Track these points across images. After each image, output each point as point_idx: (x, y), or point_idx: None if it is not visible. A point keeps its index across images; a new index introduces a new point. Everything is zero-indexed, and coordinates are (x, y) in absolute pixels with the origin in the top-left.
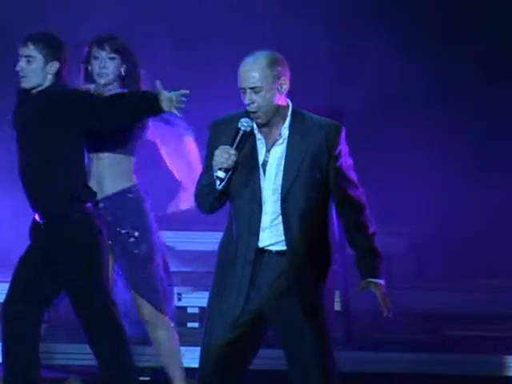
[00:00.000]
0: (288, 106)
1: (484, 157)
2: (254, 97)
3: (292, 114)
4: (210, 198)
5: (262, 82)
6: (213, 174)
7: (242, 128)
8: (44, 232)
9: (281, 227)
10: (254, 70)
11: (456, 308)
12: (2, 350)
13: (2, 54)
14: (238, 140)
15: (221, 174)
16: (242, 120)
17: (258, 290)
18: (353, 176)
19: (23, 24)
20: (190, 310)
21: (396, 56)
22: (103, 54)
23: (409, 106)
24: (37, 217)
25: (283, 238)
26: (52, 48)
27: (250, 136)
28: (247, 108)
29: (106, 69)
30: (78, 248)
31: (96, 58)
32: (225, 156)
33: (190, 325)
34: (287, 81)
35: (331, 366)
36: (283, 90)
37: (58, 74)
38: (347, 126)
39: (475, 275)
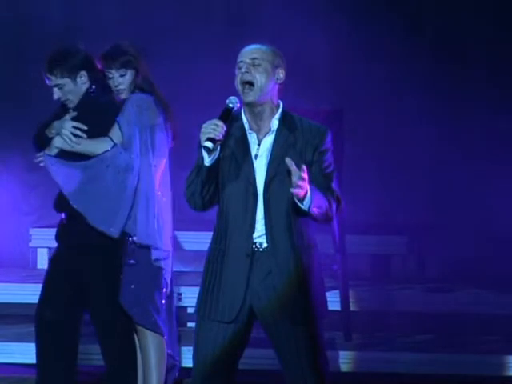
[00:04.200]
0: (279, 104)
1: (487, 157)
2: (252, 68)
3: (282, 111)
4: (199, 182)
5: (263, 59)
6: (201, 158)
7: (230, 104)
8: (68, 230)
9: None
10: (257, 49)
11: (456, 308)
12: (37, 354)
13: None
14: (225, 114)
15: (208, 143)
16: (231, 97)
17: (251, 286)
18: (335, 185)
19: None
20: (189, 310)
21: (395, 55)
22: (113, 72)
23: (409, 105)
24: (63, 216)
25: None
26: (69, 63)
27: (240, 128)
28: (241, 79)
29: (121, 84)
30: (96, 248)
31: (108, 76)
32: (212, 127)
33: (189, 325)
34: (284, 74)
35: (323, 365)
36: (279, 80)
37: (90, 77)
38: (347, 126)
39: (475, 275)
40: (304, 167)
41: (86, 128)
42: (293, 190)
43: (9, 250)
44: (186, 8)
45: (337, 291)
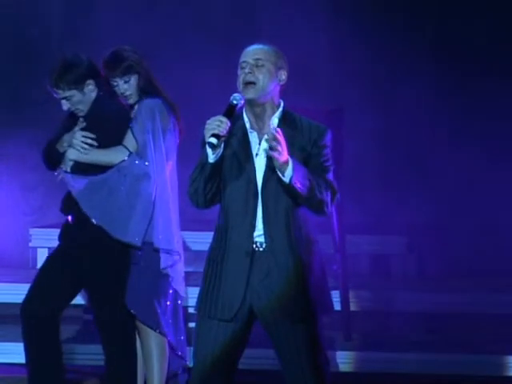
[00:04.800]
0: (280, 103)
1: (486, 157)
2: (255, 69)
3: (283, 110)
4: (202, 180)
5: (267, 60)
6: (205, 155)
7: (234, 101)
8: (74, 231)
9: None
10: (261, 50)
11: (456, 308)
12: (25, 351)
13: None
14: (229, 111)
15: (213, 139)
16: (235, 94)
17: (251, 285)
18: (331, 177)
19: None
20: (190, 310)
21: (396, 54)
22: (117, 80)
23: (409, 105)
24: (69, 218)
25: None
26: (74, 75)
27: (242, 127)
28: (244, 79)
29: (127, 90)
30: (102, 248)
31: (113, 84)
32: (216, 123)
33: (190, 325)
34: (286, 75)
35: (323, 365)
36: (281, 80)
37: (97, 84)
38: (348, 126)
39: (475, 275)
40: (277, 129)
41: (94, 136)
42: (269, 152)
43: (9, 250)
44: (186, 9)
45: (337, 291)
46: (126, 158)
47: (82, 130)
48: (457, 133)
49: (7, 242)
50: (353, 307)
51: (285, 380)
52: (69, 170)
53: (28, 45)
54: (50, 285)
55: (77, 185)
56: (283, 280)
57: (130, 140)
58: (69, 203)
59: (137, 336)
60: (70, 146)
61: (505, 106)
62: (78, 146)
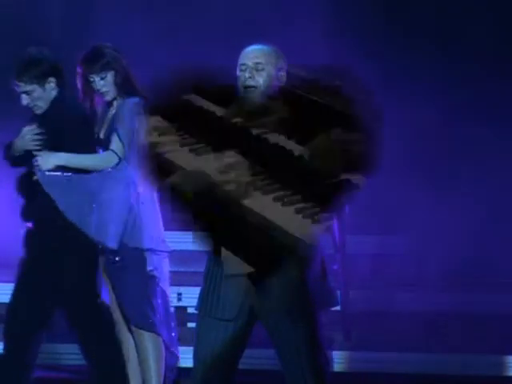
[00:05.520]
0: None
1: (486, 157)
2: (255, 73)
3: None
4: None
5: (267, 63)
6: None
7: None
8: (36, 236)
9: None
10: (260, 51)
11: (456, 308)
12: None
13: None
14: None
15: None
16: None
17: (252, 284)
18: None
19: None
20: (189, 310)
21: (395, 55)
22: (94, 76)
23: (410, 104)
24: (30, 224)
25: None
26: (37, 70)
27: None
28: (244, 83)
29: (104, 87)
30: (68, 249)
31: (90, 80)
32: None
33: (189, 325)
34: (286, 75)
35: (323, 365)
36: (281, 82)
37: (58, 83)
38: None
39: (475, 275)
40: None
41: (43, 131)
42: None
43: (9, 250)
44: (185, 9)
45: (337, 291)
46: (115, 163)
47: (38, 127)
48: (457, 133)
49: (7, 241)
50: (353, 307)
51: (285, 380)
52: (44, 168)
53: (28, 44)
54: (30, 290)
55: (51, 183)
56: (283, 279)
57: (117, 144)
58: (30, 209)
59: (133, 338)
60: (26, 147)
61: (505, 106)
62: (31, 144)
